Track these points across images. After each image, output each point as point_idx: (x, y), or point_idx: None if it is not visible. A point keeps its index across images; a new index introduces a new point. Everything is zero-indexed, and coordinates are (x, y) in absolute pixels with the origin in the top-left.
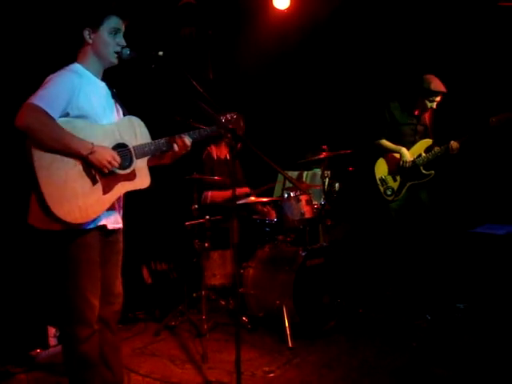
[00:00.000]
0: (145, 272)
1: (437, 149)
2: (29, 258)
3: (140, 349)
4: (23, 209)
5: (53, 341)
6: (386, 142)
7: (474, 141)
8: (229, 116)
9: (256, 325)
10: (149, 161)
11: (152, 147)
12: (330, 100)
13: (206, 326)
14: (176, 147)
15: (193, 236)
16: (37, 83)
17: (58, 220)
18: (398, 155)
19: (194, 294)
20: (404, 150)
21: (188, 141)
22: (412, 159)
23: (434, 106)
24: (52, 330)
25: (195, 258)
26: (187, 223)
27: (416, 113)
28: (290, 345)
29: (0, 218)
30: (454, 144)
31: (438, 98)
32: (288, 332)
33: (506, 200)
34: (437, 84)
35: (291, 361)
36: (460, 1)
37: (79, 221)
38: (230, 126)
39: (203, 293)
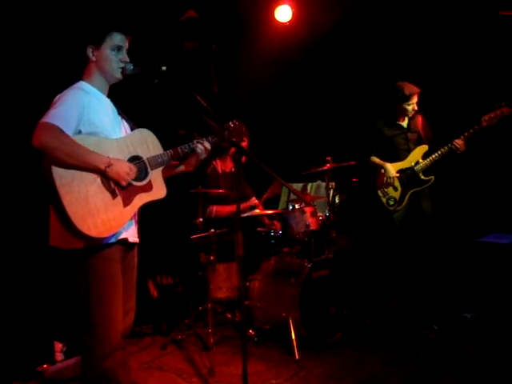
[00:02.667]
0: (151, 286)
1: (438, 152)
2: (35, 273)
3: (147, 363)
4: (30, 226)
5: (59, 356)
6: (374, 159)
7: (477, 135)
8: (231, 123)
9: (263, 337)
10: (172, 170)
11: (165, 157)
12: (333, 111)
13: (212, 340)
14: (199, 150)
15: (198, 249)
16: (43, 103)
17: (83, 236)
18: (383, 171)
19: (200, 308)
20: (387, 165)
21: (208, 144)
22: (394, 175)
23: (416, 107)
24: (59, 346)
25: (201, 271)
26: (192, 236)
27: (401, 121)
28: (297, 357)
29: (7, 235)
30: (458, 142)
31: (415, 100)
32: (295, 344)
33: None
34: (409, 87)
35: (298, 373)
36: (452, 5)
37: (104, 234)
38: (234, 140)
39: (209, 306)
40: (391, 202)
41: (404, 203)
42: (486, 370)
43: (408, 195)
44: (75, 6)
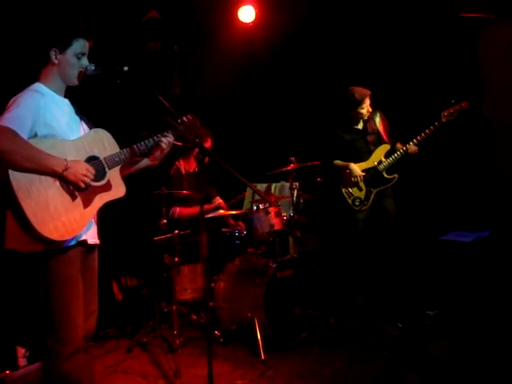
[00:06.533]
0: (115, 288)
1: (397, 153)
2: None
3: (112, 366)
4: None
5: (22, 361)
6: (337, 162)
7: (430, 137)
8: (185, 118)
9: (228, 338)
10: (136, 166)
11: (122, 156)
12: (297, 111)
13: (178, 341)
14: (163, 145)
15: (162, 251)
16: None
17: (45, 240)
18: (348, 171)
19: (165, 309)
20: (352, 165)
21: (171, 138)
22: (361, 173)
23: (370, 109)
24: (21, 351)
25: (165, 272)
26: (156, 238)
27: (358, 125)
28: (263, 357)
29: None
30: (411, 147)
31: (367, 102)
32: (260, 344)
33: (474, 207)
34: (359, 91)
35: (264, 373)
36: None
37: (66, 237)
38: (197, 140)
39: (174, 308)
40: (357, 203)
41: (369, 203)
42: (449, 365)
43: (373, 194)
44: (34, 6)
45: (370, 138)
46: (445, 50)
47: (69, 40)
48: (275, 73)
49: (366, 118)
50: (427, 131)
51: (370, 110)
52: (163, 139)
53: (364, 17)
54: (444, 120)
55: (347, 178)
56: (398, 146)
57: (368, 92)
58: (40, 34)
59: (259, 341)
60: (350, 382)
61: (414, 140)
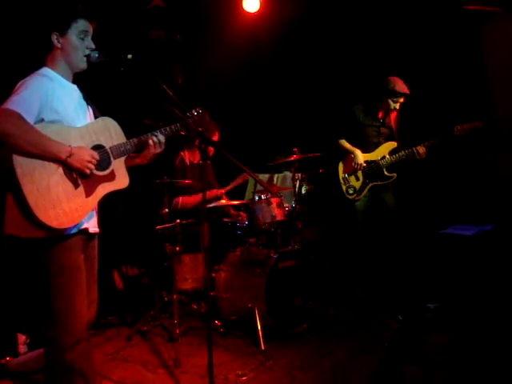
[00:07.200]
0: (116, 277)
1: (402, 152)
2: None
3: (112, 354)
4: None
5: (23, 348)
6: (344, 143)
7: (440, 146)
8: (194, 112)
9: (229, 328)
10: (126, 162)
11: (128, 147)
12: (300, 102)
13: (178, 331)
14: (151, 144)
15: (164, 240)
16: (4, 91)
17: (44, 226)
18: (352, 156)
19: (166, 299)
20: (358, 152)
21: (162, 137)
22: (362, 162)
23: (397, 107)
24: (22, 338)
25: (166, 262)
26: (158, 227)
27: (380, 115)
28: (263, 347)
29: None
30: (420, 149)
31: (402, 100)
32: (260, 335)
33: (476, 200)
34: (401, 85)
35: (264, 363)
36: (429, 7)
37: (66, 225)
38: (200, 129)
39: (175, 297)
40: (351, 191)
41: (363, 194)
42: (448, 358)
43: (368, 187)
44: None
45: (383, 130)
46: (449, 46)
47: (68, 21)
48: (279, 63)
49: (390, 112)
50: (436, 139)
51: (398, 107)
52: (153, 138)
53: (368, 9)
54: (456, 133)
55: (349, 164)
56: (402, 152)
57: (407, 91)
58: (40, 19)
59: (259, 331)
60: (350, 373)
61: (426, 143)
